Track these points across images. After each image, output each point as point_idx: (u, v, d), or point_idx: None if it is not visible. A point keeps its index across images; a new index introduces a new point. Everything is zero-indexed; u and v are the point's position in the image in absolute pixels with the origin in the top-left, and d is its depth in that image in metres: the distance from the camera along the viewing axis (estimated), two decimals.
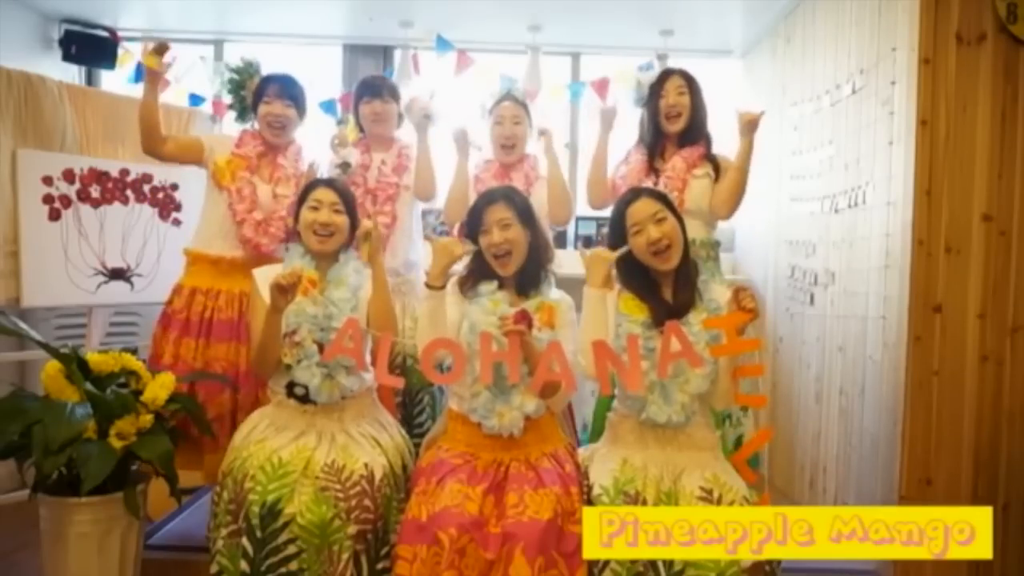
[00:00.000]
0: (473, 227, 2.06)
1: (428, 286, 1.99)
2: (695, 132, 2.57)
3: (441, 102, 2.75)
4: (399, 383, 1.94)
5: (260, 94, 2.58)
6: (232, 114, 2.77)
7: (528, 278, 2.05)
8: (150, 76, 2.49)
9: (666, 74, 2.61)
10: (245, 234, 2.49)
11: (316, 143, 2.80)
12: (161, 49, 2.46)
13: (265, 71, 2.68)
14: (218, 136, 2.65)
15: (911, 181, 2.37)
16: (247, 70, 2.66)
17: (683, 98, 2.55)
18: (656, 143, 2.61)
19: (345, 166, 2.65)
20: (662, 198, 2.02)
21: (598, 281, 1.97)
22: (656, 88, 2.59)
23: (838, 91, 2.96)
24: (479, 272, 2.06)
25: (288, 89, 2.59)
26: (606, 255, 1.98)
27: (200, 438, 2.36)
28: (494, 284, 2.03)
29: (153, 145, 2.53)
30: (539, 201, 2.50)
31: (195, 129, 3.48)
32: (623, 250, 1.97)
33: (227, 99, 2.73)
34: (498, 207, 2.03)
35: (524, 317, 1.88)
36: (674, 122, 2.56)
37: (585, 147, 3.78)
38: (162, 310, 2.53)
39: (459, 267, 2.10)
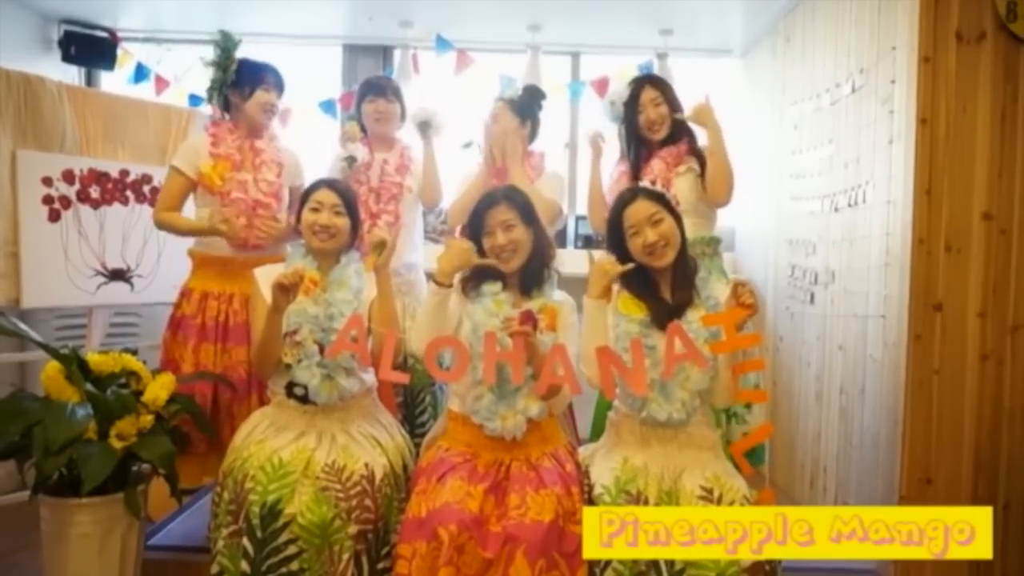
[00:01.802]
0: (475, 230, 2.05)
1: (437, 283, 1.97)
2: (675, 133, 2.58)
3: (446, 111, 2.74)
4: (404, 378, 1.92)
5: (257, 81, 2.53)
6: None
7: (532, 277, 2.04)
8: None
9: (638, 87, 2.59)
10: (228, 237, 2.45)
11: (315, 142, 2.79)
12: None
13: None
14: (187, 149, 2.53)
15: (911, 180, 2.37)
16: (231, 46, 2.58)
17: (660, 108, 2.55)
18: (640, 154, 2.62)
19: (351, 160, 2.65)
20: (659, 198, 2.01)
21: (596, 292, 1.95)
22: (631, 103, 2.59)
23: (838, 90, 2.96)
24: (482, 272, 2.04)
25: (281, 80, 2.60)
26: (609, 268, 1.95)
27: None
28: (498, 285, 2.01)
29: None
30: (540, 198, 2.49)
31: (195, 129, 3.47)
32: (629, 267, 1.95)
33: (209, 75, 2.60)
34: (500, 209, 2.02)
35: (529, 318, 1.87)
36: (656, 132, 2.57)
37: (583, 149, 3.78)
38: (171, 314, 2.48)
39: None
